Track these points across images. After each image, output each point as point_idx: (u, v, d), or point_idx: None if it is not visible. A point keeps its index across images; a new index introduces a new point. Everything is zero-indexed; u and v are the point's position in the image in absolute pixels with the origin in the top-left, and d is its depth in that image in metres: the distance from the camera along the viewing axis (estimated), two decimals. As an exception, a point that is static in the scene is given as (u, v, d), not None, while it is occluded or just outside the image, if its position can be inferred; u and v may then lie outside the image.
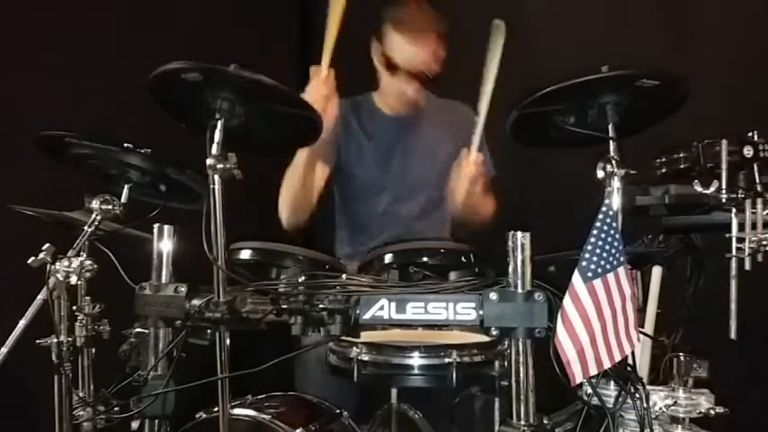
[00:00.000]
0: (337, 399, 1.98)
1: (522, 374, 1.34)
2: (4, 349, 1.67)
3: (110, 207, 1.71)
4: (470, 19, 2.32)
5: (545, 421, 1.51)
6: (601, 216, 1.29)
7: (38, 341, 1.66)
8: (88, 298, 1.78)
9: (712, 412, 1.40)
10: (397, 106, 2.35)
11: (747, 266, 1.36)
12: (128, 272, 1.70)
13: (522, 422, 1.34)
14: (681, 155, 1.50)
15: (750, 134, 1.45)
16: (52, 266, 1.63)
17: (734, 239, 1.37)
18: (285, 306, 1.47)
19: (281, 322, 1.49)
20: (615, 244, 1.29)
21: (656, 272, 1.60)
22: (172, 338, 1.57)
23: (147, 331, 1.60)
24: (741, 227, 1.37)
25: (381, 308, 1.41)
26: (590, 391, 1.44)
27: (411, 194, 2.36)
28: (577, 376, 1.29)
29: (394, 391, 1.84)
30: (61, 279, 1.62)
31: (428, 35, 2.17)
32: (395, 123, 2.38)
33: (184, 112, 1.57)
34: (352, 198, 2.40)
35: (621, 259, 1.30)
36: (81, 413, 1.69)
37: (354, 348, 1.70)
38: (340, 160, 2.34)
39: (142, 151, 1.66)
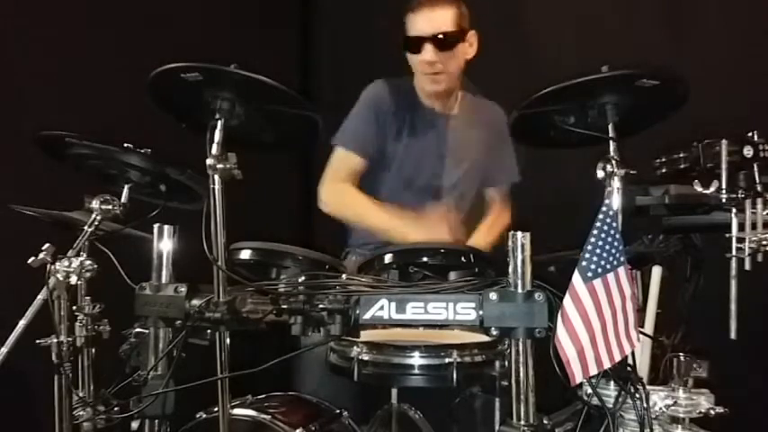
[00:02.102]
0: (337, 399, 1.98)
1: (522, 374, 1.34)
2: (4, 349, 1.67)
3: (110, 207, 1.71)
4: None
5: (545, 421, 1.51)
6: (601, 216, 1.29)
7: (38, 341, 1.66)
8: (88, 298, 1.78)
9: (712, 412, 1.40)
10: (426, 91, 2.33)
11: (747, 266, 1.36)
12: (128, 272, 1.70)
13: (522, 422, 1.34)
14: (681, 155, 1.50)
15: (750, 134, 1.45)
16: (52, 266, 1.63)
17: (734, 239, 1.37)
18: (285, 306, 1.47)
19: (281, 322, 1.49)
20: (615, 244, 1.29)
21: (656, 272, 1.60)
22: (172, 338, 1.57)
23: (147, 331, 1.60)
24: (741, 227, 1.37)
25: (381, 308, 1.41)
26: (590, 391, 1.44)
27: (437, 194, 2.36)
28: (577, 376, 1.28)
29: (394, 391, 1.84)
30: (61, 279, 1.62)
31: (427, 2, 2.25)
32: (432, 120, 2.38)
33: (184, 112, 1.57)
34: (378, 191, 2.37)
35: (621, 259, 1.30)
36: (81, 413, 1.69)
37: (355, 348, 1.70)
38: (378, 151, 2.35)
39: (142, 151, 1.66)
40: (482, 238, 2.31)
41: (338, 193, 2.30)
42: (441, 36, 2.22)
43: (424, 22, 2.24)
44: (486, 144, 2.39)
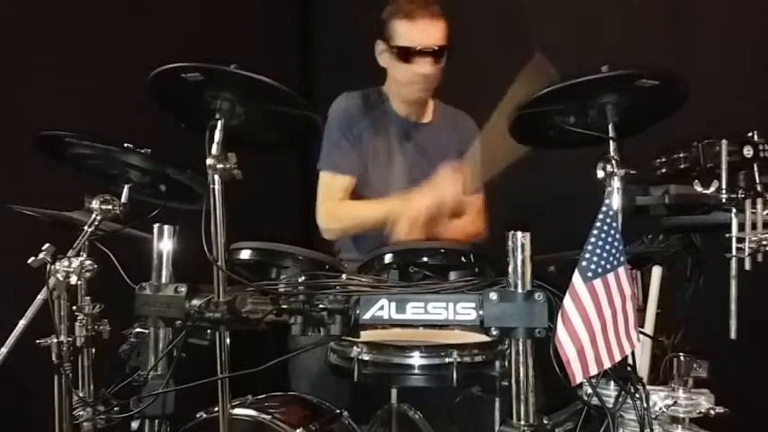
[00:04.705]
0: (337, 399, 1.98)
1: (522, 374, 1.34)
2: (4, 349, 1.67)
3: (110, 207, 1.71)
4: (470, 19, 2.32)
5: (545, 421, 1.51)
6: (601, 216, 1.29)
7: (38, 341, 1.66)
8: (88, 298, 1.78)
9: (712, 412, 1.40)
10: (409, 99, 2.33)
11: (747, 266, 1.36)
12: (128, 272, 1.70)
13: (522, 422, 1.34)
14: (681, 155, 1.50)
15: (750, 134, 1.45)
16: (52, 266, 1.63)
17: (734, 239, 1.37)
18: (285, 306, 1.47)
19: (281, 322, 1.49)
20: (615, 244, 1.29)
21: (656, 272, 1.60)
22: (172, 338, 1.57)
23: (147, 331, 1.60)
24: (741, 227, 1.37)
25: (381, 308, 1.41)
26: (590, 391, 1.44)
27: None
28: (577, 376, 1.28)
29: (394, 391, 1.84)
30: (61, 279, 1.62)
31: (424, 12, 2.21)
32: (404, 127, 2.38)
33: (184, 112, 1.57)
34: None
35: (621, 259, 1.30)
36: (81, 413, 1.69)
37: (354, 348, 1.70)
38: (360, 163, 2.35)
39: (142, 151, 1.66)
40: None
41: (331, 211, 2.31)
42: (438, 50, 2.20)
43: (423, 35, 2.20)
44: (458, 151, 2.38)
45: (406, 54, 2.21)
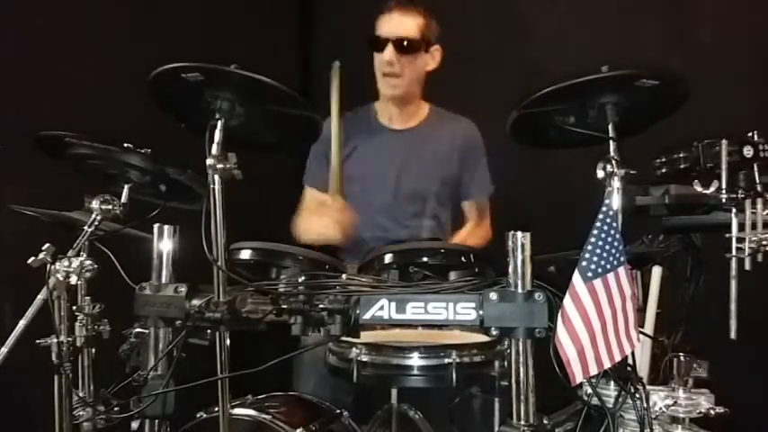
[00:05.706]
0: (337, 399, 1.98)
1: (522, 374, 1.34)
2: (4, 349, 1.67)
3: (110, 207, 1.71)
4: (470, 19, 2.32)
5: (545, 421, 1.51)
6: (601, 216, 1.29)
7: (38, 341, 1.66)
8: (88, 298, 1.78)
9: (712, 412, 1.40)
10: (384, 93, 2.37)
11: (747, 266, 1.36)
12: (128, 272, 1.70)
13: (522, 422, 1.34)
14: (681, 155, 1.50)
15: (750, 134, 1.45)
16: (52, 266, 1.62)
17: (734, 239, 1.37)
18: (285, 306, 1.47)
19: (281, 322, 1.49)
20: (615, 244, 1.29)
21: (656, 272, 1.60)
22: (172, 338, 1.57)
23: (147, 331, 1.60)
24: (741, 227, 1.37)
25: (381, 308, 1.41)
26: (590, 391, 1.44)
27: (406, 207, 2.38)
28: (577, 376, 1.28)
29: (394, 392, 1.84)
30: (61, 279, 1.62)
31: (398, 6, 2.33)
32: (394, 137, 2.42)
33: (184, 112, 1.57)
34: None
35: (621, 259, 1.30)
36: (81, 413, 1.69)
37: (354, 349, 1.70)
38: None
39: (142, 151, 1.66)
40: None
41: (299, 222, 2.40)
42: (403, 40, 2.29)
43: (392, 25, 2.32)
44: (454, 157, 2.42)
45: (374, 43, 2.32)
